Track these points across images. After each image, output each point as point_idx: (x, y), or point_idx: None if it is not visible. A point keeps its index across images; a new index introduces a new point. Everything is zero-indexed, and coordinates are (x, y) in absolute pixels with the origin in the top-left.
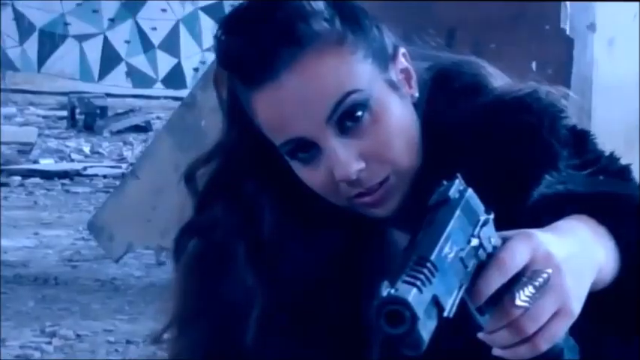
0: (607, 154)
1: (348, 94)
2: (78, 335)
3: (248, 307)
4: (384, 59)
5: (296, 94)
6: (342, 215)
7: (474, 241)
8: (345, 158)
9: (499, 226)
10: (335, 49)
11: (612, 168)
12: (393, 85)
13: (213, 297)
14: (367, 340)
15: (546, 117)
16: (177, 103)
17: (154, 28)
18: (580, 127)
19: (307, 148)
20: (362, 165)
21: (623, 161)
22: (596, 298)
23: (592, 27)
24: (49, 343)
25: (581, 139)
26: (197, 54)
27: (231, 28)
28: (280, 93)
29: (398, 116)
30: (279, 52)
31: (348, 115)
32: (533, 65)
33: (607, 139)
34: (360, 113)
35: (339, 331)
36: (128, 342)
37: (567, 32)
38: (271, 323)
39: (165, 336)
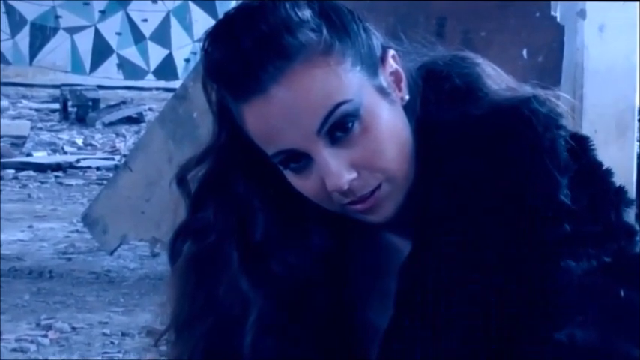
0: (616, 187)
1: (338, 105)
2: (73, 328)
3: (244, 310)
4: (372, 64)
5: (285, 107)
6: (333, 216)
7: None
8: (337, 169)
9: (500, 247)
10: (323, 60)
11: (630, 250)
12: (382, 91)
13: (209, 300)
14: (360, 340)
15: (546, 137)
16: (168, 94)
17: (145, 20)
18: (579, 135)
19: (298, 159)
20: (354, 175)
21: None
22: None
23: (582, 13)
24: (45, 336)
25: (580, 148)
26: (188, 45)
27: (217, 39)
28: (269, 106)
29: (388, 123)
30: (265, 65)
31: (339, 126)
32: (524, 53)
33: (599, 125)
34: (350, 124)
35: (331, 330)
36: (123, 334)
37: (557, 19)
38: (267, 325)
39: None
